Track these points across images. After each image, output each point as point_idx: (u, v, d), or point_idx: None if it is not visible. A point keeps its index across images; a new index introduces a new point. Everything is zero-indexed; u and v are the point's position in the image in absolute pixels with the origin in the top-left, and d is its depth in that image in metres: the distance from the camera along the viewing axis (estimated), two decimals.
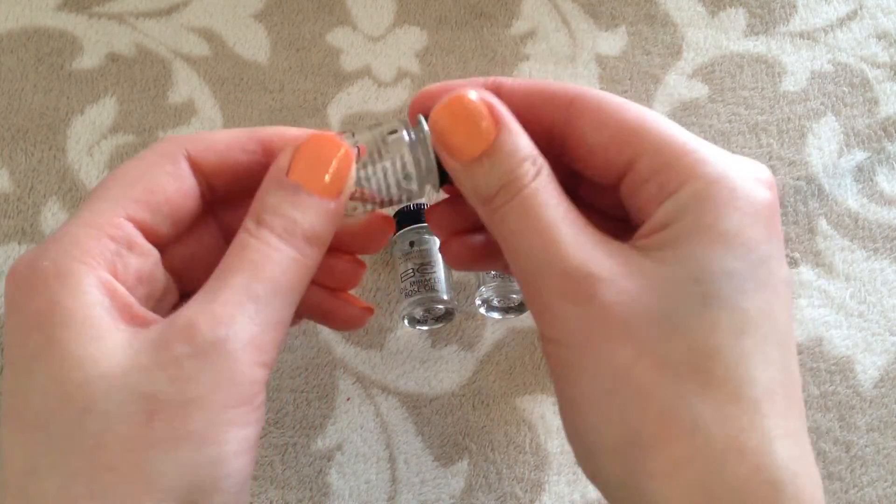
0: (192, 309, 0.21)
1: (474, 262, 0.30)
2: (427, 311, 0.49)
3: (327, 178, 0.24)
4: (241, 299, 0.21)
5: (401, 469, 0.47)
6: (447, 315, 0.50)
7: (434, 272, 0.48)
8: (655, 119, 0.23)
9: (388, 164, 0.25)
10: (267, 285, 0.22)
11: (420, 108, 0.25)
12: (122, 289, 0.22)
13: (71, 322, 0.20)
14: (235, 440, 0.20)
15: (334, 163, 0.24)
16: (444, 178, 0.26)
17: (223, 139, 0.25)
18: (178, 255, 0.26)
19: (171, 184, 0.24)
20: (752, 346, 0.21)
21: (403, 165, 0.25)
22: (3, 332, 0.22)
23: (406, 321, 0.50)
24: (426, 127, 0.25)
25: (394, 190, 0.26)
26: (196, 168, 0.25)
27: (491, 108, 0.23)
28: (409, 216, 0.49)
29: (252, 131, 0.26)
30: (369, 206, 0.26)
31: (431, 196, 0.48)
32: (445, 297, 0.48)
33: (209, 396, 0.20)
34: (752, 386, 0.20)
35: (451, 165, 0.24)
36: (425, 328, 0.51)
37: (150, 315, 0.22)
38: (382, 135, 0.25)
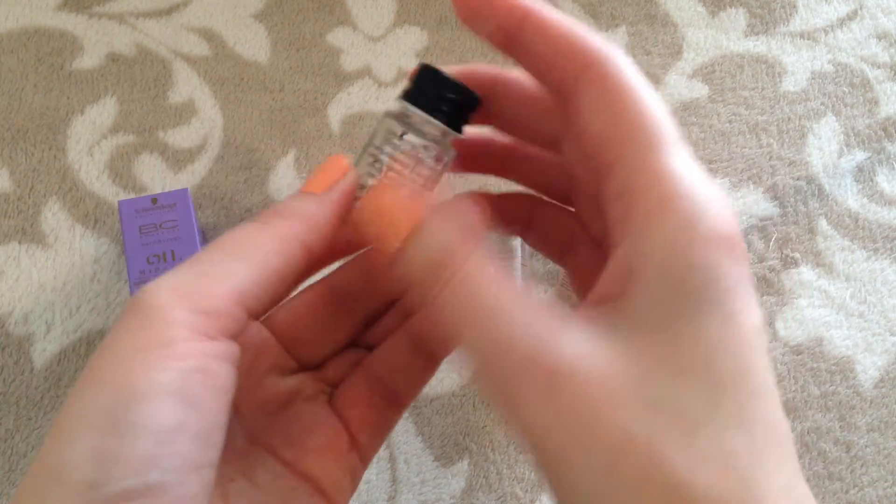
0: None
1: (479, 162, 0.30)
2: None
3: (319, 179, 0.25)
4: (181, 264, 0.22)
5: (401, 469, 0.47)
6: None
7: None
8: (645, 119, 0.22)
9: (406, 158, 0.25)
10: (213, 249, 0.22)
11: (464, 10, 0.24)
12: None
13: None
14: (149, 378, 0.20)
15: (327, 165, 0.25)
16: (458, 124, 0.26)
17: (326, 218, 0.25)
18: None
19: (283, 283, 0.24)
20: (725, 414, 0.19)
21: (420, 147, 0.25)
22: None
23: None
24: (418, 111, 0.25)
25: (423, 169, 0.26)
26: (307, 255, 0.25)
27: (412, 204, 0.23)
28: None
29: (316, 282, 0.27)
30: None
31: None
32: None
33: (118, 344, 0.20)
34: (734, 459, 0.19)
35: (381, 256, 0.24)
36: None
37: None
38: (391, 140, 0.25)
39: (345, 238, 0.27)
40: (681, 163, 0.21)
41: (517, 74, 0.24)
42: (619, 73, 0.22)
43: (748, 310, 0.20)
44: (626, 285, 0.21)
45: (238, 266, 0.22)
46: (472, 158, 0.30)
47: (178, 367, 0.20)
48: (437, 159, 0.25)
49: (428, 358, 0.29)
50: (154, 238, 0.47)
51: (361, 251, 0.29)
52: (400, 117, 0.26)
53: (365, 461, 0.28)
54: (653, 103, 0.22)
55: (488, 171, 0.31)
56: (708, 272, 0.20)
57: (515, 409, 0.21)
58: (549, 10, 0.23)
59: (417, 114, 0.25)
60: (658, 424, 0.19)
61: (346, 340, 0.29)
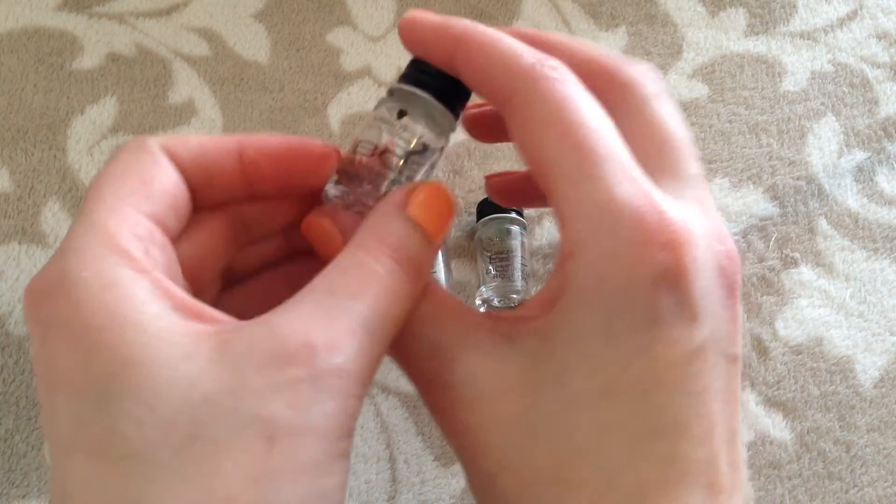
0: (304, 325, 0.19)
1: (515, 197, 0.29)
2: (503, 299, 0.51)
3: (439, 223, 0.23)
4: (356, 328, 0.20)
5: (401, 469, 0.47)
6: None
7: (513, 263, 0.51)
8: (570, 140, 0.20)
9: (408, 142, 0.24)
10: (383, 318, 0.20)
11: (405, 40, 0.24)
12: (174, 287, 0.20)
13: (145, 338, 0.18)
14: (342, 472, 0.19)
15: (447, 211, 0.23)
16: (455, 105, 0.25)
17: (197, 138, 0.24)
18: (182, 254, 0.24)
19: (160, 174, 0.22)
20: (615, 447, 0.19)
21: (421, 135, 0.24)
22: (40, 359, 0.19)
23: (483, 308, 0.52)
24: (423, 94, 0.24)
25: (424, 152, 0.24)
26: (174, 162, 0.23)
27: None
28: (494, 206, 0.52)
29: (228, 136, 0.25)
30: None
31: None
32: (520, 287, 0.50)
33: (325, 425, 0.18)
34: (616, 491, 0.19)
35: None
36: None
37: (212, 312, 0.20)
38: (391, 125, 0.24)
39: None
40: (608, 186, 0.19)
41: (475, 36, 0.22)
42: (541, 96, 0.21)
43: (674, 338, 0.19)
44: (547, 307, 0.20)
45: (389, 332, 0.21)
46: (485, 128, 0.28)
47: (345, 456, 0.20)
48: (431, 148, 0.24)
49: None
50: None
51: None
52: (396, 98, 0.24)
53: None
54: (579, 124, 0.20)
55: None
56: (623, 303, 0.19)
57: (430, 411, 0.22)
58: (482, 34, 0.22)
59: (416, 92, 0.24)
60: (538, 449, 0.19)
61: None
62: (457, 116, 0.25)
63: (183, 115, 0.58)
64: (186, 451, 0.17)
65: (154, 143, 0.23)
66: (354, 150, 0.24)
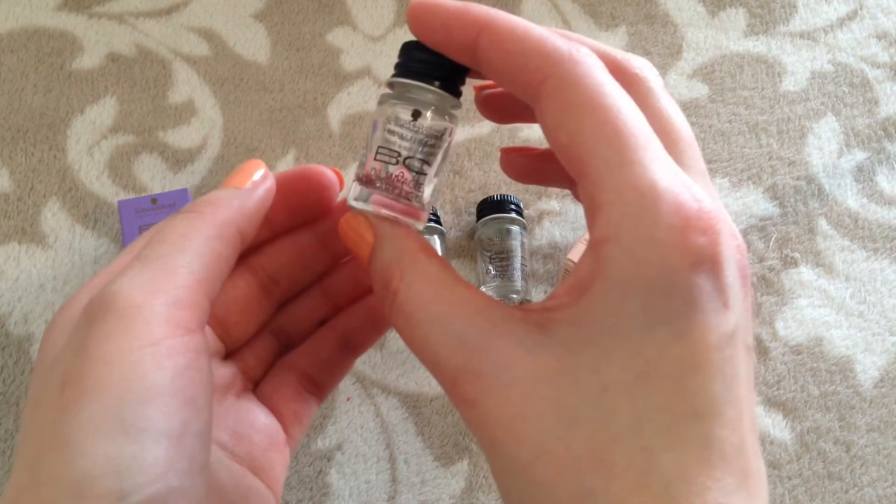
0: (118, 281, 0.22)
1: (530, 174, 0.29)
2: (503, 299, 0.51)
3: (239, 177, 0.25)
4: (130, 264, 0.22)
5: (401, 469, 0.47)
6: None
7: (513, 263, 0.51)
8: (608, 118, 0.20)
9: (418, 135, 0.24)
10: (158, 245, 0.22)
11: (416, 27, 0.24)
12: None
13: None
14: (146, 379, 0.20)
15: (257, 171, 0.26)
16: (454, 86, 0.25)
17: (256, 206, 0.26)
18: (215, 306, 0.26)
19: (226, 268, 0.24)
20: (654, 431, 0.19)
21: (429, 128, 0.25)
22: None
23: None
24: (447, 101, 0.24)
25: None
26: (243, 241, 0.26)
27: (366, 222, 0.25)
28: (494, 206, 0.52)
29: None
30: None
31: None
32: (519, 287, 0.50)
33: (103, 349, 0.20)
34: (658, 473, 0.19)
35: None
36: None
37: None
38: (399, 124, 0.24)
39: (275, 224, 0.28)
40: (646, 171, 0.20)
41: (501, 22, 0.23)
42: (577, 80, 0.21)
43: (711, 324, 0.19)
44: (578, 295, 0.20)
45: (191, 257, 0.22)
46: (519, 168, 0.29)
47: (170, 365, 0.20)
48: (447, 130, 0.25)
49: (351, 352, 0.30)
50: None
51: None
52: (401, 93, 0.25)
53: (292, 453, 0.29)
54: (616, 109, 0.20)
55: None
56: (663, 287, 0.19)
57: (457, 404, 0.21)
58: (508, 19, 0.22)
59: (422, 86, 0.24)
60: (576, 434, 0.19)
61: (265, 322, 0.30)
62: (460, 94, 0.25)
63: (183, 115, 0.58)
64: (31, 411, 0.21)
65: (235, 231, 0.25)
66: (375, 158, 0.24)
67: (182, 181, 0.55)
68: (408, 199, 0.24)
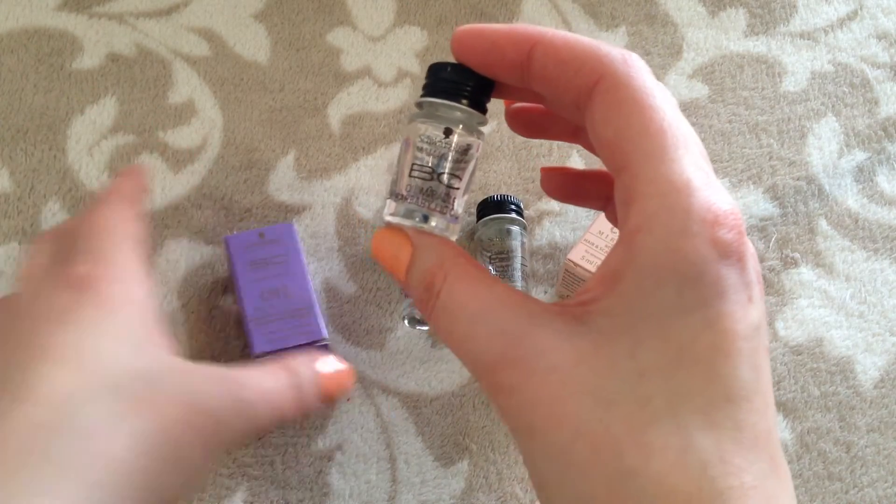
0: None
1: (570, 194, 0.30)
2: None
3: (332, 390, 0.30)
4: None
5: (401, 469, 0.47)
6: None
7: (513, 264, 0.51)
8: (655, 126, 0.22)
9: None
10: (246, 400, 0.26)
11: (462, 51, 0.26)
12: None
13: None
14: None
15: (342, 384, 0.30)
16: (481, 102, 0.26)
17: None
18: None
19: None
20: (690, 413, 0.20)
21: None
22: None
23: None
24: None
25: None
26: None
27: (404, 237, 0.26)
28: (494, 206, 0.52)
29: None
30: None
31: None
32: (520, 287, 0.50)
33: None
34: (695, 453, 0.20)
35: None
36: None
37: None
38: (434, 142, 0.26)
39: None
40: (683, 170, 0.21)
41: (554, 34, 0.25)
42: (629, 82, 0.23)
43: (738, 314, 0.20)
44: (611, 285, 0.21)
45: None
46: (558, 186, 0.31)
47: None
48: (475, 146, 0.27)
49: None
50: (264, 273, 0.48)
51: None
52: (431, 112, 0.26)
53: None
54: (662, 111, 0.22)
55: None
56: (694, 276, 0.20)
57: (493, 394, 0.23)
58: (558, 32, 0.24)
59: (453, 104, 0.26)
60: (614, 416, 0.20)
61: None
62: (486, 111, 0.27)
63: (183, 115, 0.58)
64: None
65: None
66: (409, 175, 0.26)
67: (182, 181, 0.55)
68: (441, 213, 0.26)
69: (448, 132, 0.26)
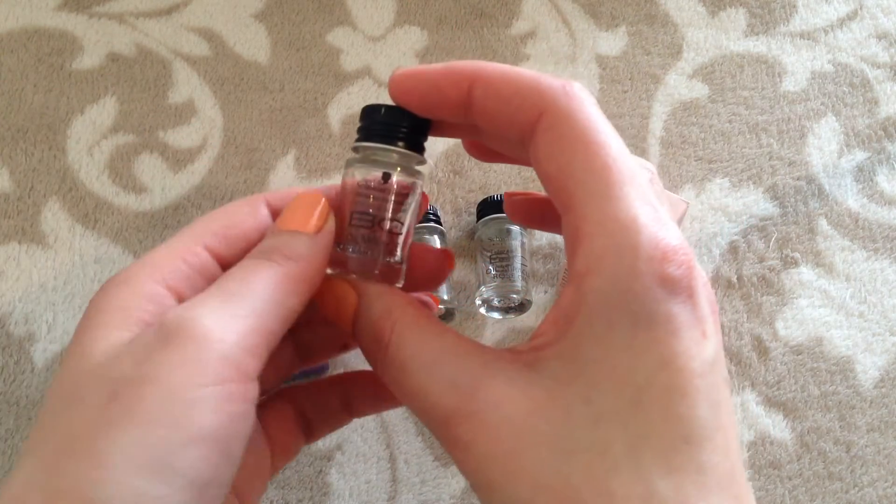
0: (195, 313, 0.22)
1: (533, 218, 0.30)
2: (503, 299, 0.51)
3: (303, 218, 0.25)
4: (209, 294, 0.22)
5: (401, 469, 0.47)
6: (520, 307, 0.51)
7: (513, 263, 0.51)
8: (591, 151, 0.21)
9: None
10: (240, 284, 0.22)
11: (400, 95, 0.25)
12: (171, 301, 0.23)
13: (100, 319, 0.22)
14: (201, 420, 0.20)
15: (318, 208, 0.25)
16: (420, 142, 0.26)
17: (324, 254, 0.26)
18: None
19: (248, 221, 0.25)
20: (651, 458, 0.19)
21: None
22: None
23: (483, 308, 0.51)
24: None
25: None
26: (275, 214, 0.26)
27: (352, 284, 0.25)
28: (494, 206, 0.52)
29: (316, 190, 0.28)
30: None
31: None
32: (519, 287, 0.50)
33: (169, 375, 0.20)
34: (658, 500, 0.19)
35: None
36: (497, 316, 0.52)
37: None
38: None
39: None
40: (629, 206, 0.20)
41: (493, 70, 0.24)
42: (571, 115, 0.22)
43: (693, 351, 0.20)
44: (563, 329, 0.21)
45: (266, 306, 0.22)
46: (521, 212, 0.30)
47: (227, 410, 0.20)
48: (415, 186, 0.26)
49: (348, 412, 0.30)
50: None
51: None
52: (368, 157, 0.26)
53: (269, 480, 0.29)
54: (607, 146, 0.21)
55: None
56: (646, 316, 0.20)
57: (450, 448, 0.22)
58: (496, 66, 0.23)
59: (390, 148, 0.25)
60: (573, 466, 0.20)
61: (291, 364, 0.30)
62: (423, 150, 0.26)
63: (183, 114, 0.58)
64: (63, 411, 0.20)
65: (261, 196, 0.26)
66: (350, 223, 0.25)
67: (182, 181, 0.55)
68: (387, 259, 0.25)
69: (387, 177, 0.25)
